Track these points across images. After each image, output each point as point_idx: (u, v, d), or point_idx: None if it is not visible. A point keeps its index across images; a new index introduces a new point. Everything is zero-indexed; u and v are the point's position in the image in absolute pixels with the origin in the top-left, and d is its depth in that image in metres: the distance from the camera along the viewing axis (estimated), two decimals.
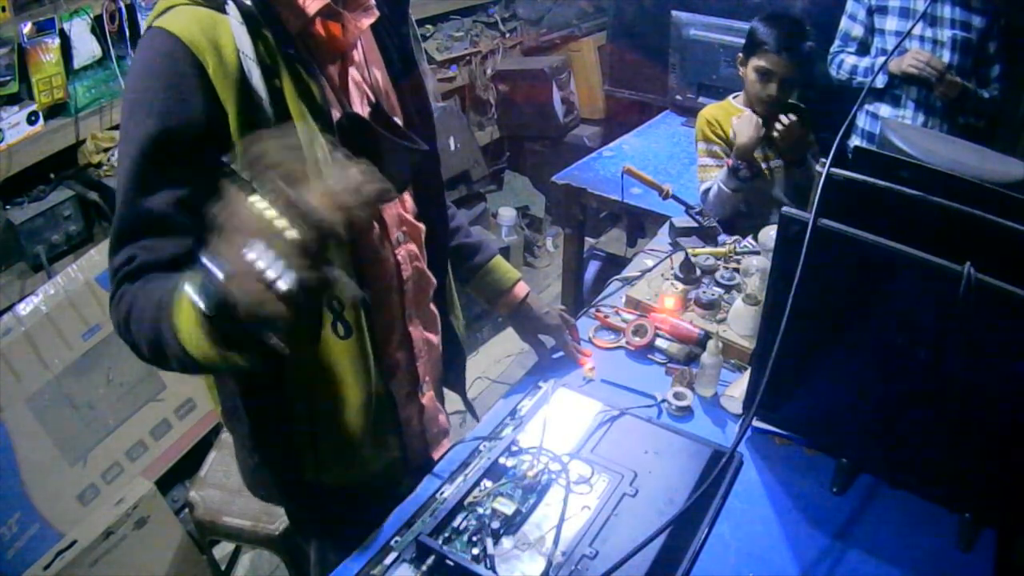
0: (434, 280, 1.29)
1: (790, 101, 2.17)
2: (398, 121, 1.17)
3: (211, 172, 0.90)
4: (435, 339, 1.33)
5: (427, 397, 1.32)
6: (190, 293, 0.78)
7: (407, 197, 1.23)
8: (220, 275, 0.74)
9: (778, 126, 2.09)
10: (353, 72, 1.11)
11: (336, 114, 1.05)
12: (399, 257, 1.19)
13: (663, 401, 1.41)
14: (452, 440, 1.38)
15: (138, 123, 0.94)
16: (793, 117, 2.09)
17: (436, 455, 1.36)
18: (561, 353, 1.54)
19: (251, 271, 0.72)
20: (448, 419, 1.42)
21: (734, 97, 2.24)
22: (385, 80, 1.18)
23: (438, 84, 3.47)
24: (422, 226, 1.25)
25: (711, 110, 2.24)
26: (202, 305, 0.77)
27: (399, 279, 1.20)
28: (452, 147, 3.38)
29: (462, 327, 1.44)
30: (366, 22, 1.07)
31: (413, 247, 1.22)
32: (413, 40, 1.20)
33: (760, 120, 2.07)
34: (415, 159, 1.12)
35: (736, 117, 2.11)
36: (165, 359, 0.91)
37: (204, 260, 0.75)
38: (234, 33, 0.95)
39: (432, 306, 1.31)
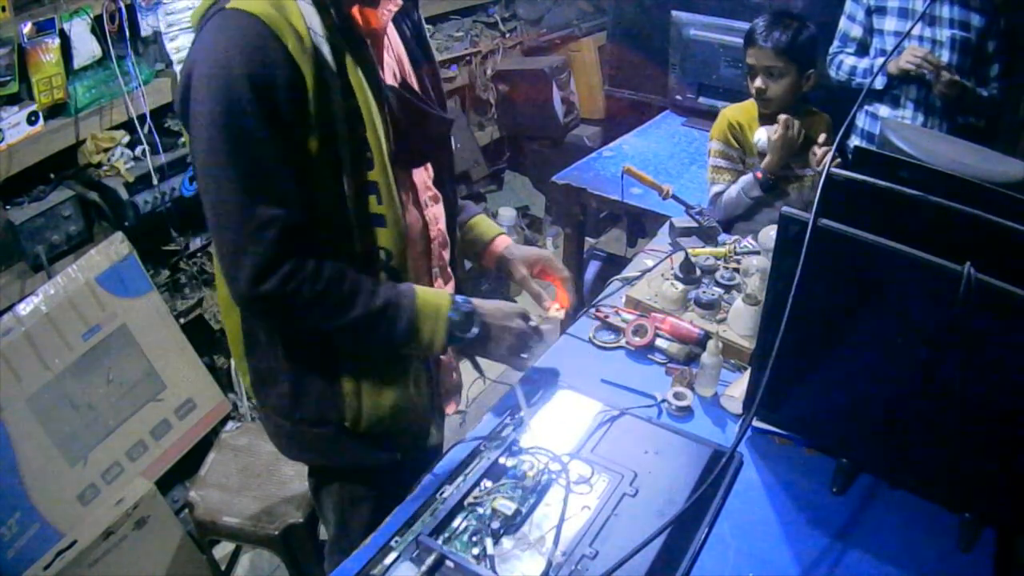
0: (450, 242, 1.39)
1: (811, 108, 2.09)
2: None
3: (297, 135, 1.08)
4: None
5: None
6: (456, 320, 1.23)
7: (429, 166, 1.34)
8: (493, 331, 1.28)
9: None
10: (384, 54, 1.23)
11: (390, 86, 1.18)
12: (428, 217, 1.31)
13: (663, 401, 1.42)
14: (459, 404, 1.49)
15: (229, 94, 1.03)
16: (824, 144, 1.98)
17: (449, 410, 1.49)
18: (559, 354, 1.53)
19: (515, 340, 1.30)
20: (460, 377, 1.50)
21: None
22: (406, 62, 1.30)
23: None
24: (439, 193, 1.36)
25: (734, 112, 2.12)
26: (475, 332, 1.25)
27: (427, 239, 1.32)
28: (452, 147, 3.38)
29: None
30: (394, 8, 1.19)
31: (438, 210, 1.35)
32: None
33: (793, 137, 1.97)
34: (446, 128, 1.29)
35: (770, 133, 2.00)
36: (356, 331, 1.18)
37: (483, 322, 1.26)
38: (303, 13, 1.08)
39: (450, 268, 1.41)
